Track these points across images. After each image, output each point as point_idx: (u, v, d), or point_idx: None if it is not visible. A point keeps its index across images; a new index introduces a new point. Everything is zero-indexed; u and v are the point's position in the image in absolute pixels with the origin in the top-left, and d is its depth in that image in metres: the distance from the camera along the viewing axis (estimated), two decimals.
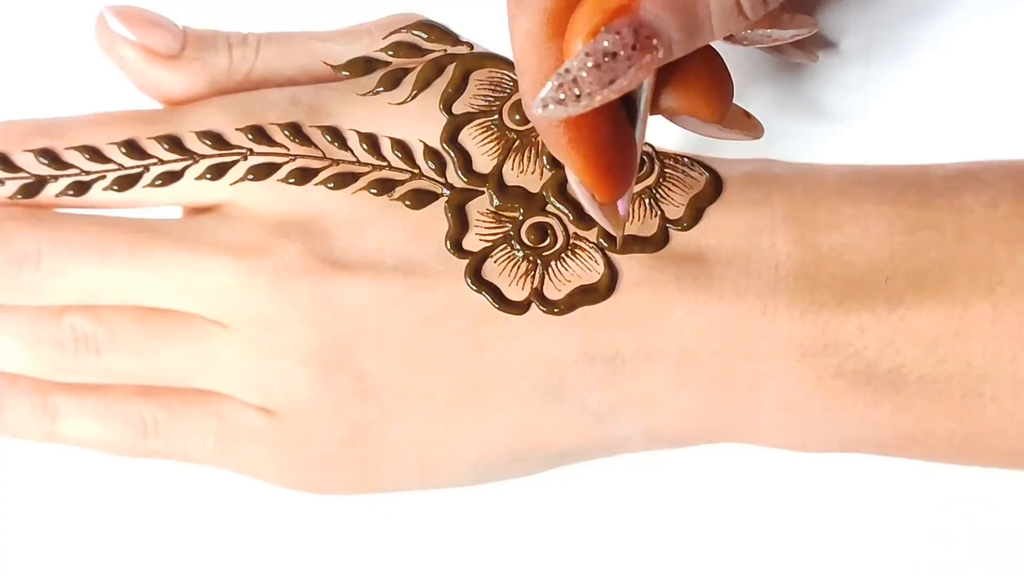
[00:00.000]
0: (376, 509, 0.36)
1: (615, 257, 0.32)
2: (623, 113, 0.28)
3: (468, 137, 0.33)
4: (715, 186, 0.32)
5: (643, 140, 0.28)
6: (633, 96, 0.27)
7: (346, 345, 0.32)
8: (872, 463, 0.34)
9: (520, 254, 0.32)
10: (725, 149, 0.33)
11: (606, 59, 0.24)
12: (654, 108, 0.28)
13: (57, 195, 0.33)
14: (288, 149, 0.33)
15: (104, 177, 0.33)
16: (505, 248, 0.32)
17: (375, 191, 0.32)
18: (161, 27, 0.33)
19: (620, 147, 0.28)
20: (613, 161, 0.27)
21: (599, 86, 0.24)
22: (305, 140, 0.33)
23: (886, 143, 0.33)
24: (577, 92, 0.24)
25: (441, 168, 0.33)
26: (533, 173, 0.33)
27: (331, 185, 0.32)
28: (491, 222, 0.32)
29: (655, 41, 0.24)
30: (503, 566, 0.37)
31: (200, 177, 0.33)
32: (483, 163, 0.33)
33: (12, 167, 0.33)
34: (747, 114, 0.30)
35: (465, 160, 0.33)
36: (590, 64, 0.24)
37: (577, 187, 0.29)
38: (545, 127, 0.27)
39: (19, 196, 0.33)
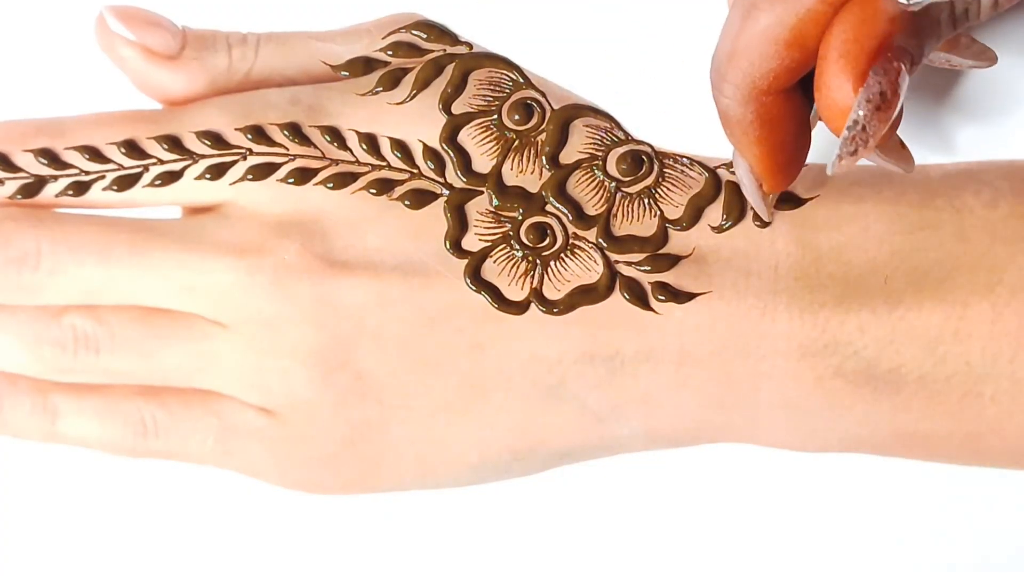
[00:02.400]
0: (376, 509, 0.36)
1: (614, 257, 0.32)
2: (807, 108, 0.29)
3: (467, 137, 0.33)
4: (714, 186, 0.32)
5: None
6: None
7: (346, 345, 0.32)
8: (872, 463, 0.34)
9: (519, 254, 0.32)
10: (725, 149, 0.33)
11: (881, 100, 0.25)
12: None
13: (57, 195, 0.33)
14: (287, 149, 0.33)
15: (104, 177, 0.33)
16: (504, 248, 0.32)
17: (374, 191, 0.32)
18: (160, 27, 0.33)
19: (798, 142, 0.29)
20: (790, 156, 0.29)
21: (882, 124, 0.25)
22: (304, 140, 0.33)
23: None
24: (866, 137, 0.25)
25: (440, 168, 0.33)
26: (532, 173, 0.33)
27: (330, 185, 0.32)
28: (490, 222, 0.32)
29: (904, 71, 0.25)
30: (503, 566, 0.37)
31: (200, 177, 0.33)
32: (482, 163, 0.33)
33: (12, 167, 0.33)
34: (903, 144, 0.31)
35: (464, 160, 0.33)
36: (871, 108, 0.25)
37: (744, 175, 0.30)
38: (734, 122, 0.28)
39: (19, 196, 0.33)
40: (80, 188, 0.33)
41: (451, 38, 0.34)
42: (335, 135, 0.33)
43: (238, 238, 0.33)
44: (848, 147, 0.25)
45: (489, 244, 0.32)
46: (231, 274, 0.32)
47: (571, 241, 0.32)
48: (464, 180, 0.32)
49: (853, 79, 0.25)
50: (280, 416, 0.33)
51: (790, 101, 0.28)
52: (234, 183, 0.33)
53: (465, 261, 0.32)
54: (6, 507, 0.38)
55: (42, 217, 0.33)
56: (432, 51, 0.33)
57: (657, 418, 0.32)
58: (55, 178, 0.33)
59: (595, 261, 0.32)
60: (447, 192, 0.32)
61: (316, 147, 0.33)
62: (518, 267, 0.32)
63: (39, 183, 0.33)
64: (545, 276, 0.32)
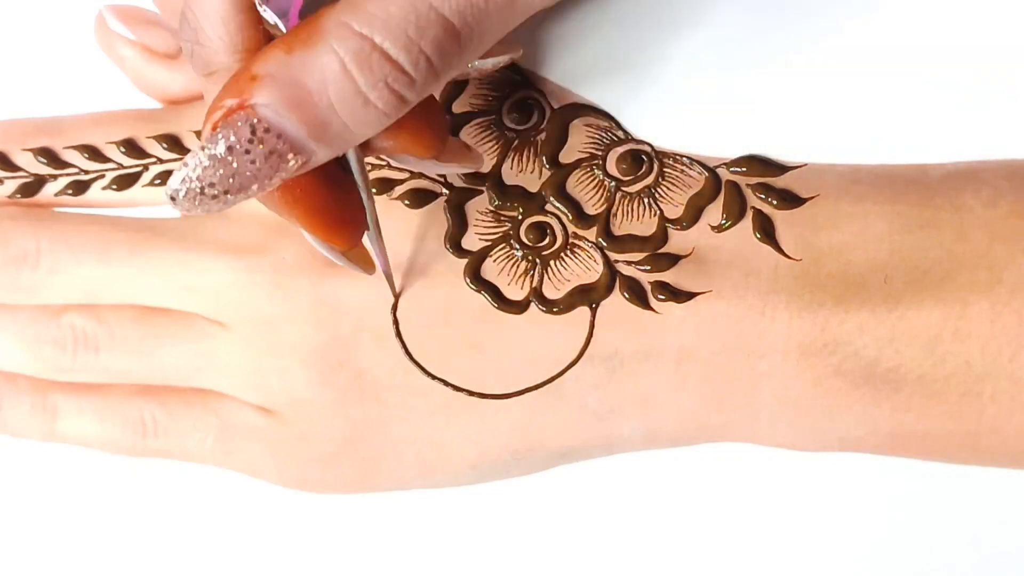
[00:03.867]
0: (376, 508, 0.36)
1: (614, 256, 0.32)
2: (338, 169, 0.27)
3: (467, 136, 0.33)
4: (714, 185, 0.32)
5: (367, 181, 0.28)
6: None
7: (345, 344, 0.32)
8: (871, 462, 0.34)
9: (519, 253, 0.32)
10: (725, 150, 0.33)
11: (224, 154, 0.23)
12: (367, 149, 0.28)
13: (56, 194, 0.33)
14: None
15: (103, 176, 0.33)
16: (504, 247, 0.32)
17: (374, 190, 0.32)
18: (160, 26, 0.33)
19: (342, 194, 0.27)
20: (339, 211, 0.27)
21: (223, 181, 0.23)
22: None
23: (886, 143, 0.33)
24: (198, 186, 0.23)
25: None
26: (532, 173, 0.33)
27: None
28: (490, 222, 0.32)
29: (281, 140, 0.23)
30: (503, 566, 0.37)
31: None
32: None
33: (11, 166, 0.33)
34: (467, 146, 0.30)
35: None
36: (206, 159, 0.23)
37: (313, 242, 0.28)
38: (264, 202, 0.27)
39: (18, 195, 0.33)
40: (79, 187, 0.33)
41: None
42: None
43: (237, 237, 0.33)
44: (179, 186, 0.24)
45: (489, 244, 0.32)
46: (230, 273, 0.32)
47: (571, 240, 0.32)
48: (464, 180, 0.33)
49: (207, 130, 0.23)
50: (280, 415, 0.33)
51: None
52: None
53: (465, 261, 0.32)
54: (6, 507, 0.38)
55: (41, 216, 0.33)
56: None
57: (657, 417, 0.32)
58: (54, 177, 0.33)
59: (595, 260, 0.32)
60: (447, 192, 0.32)
61: None
62: (518, 267, 0.32)
63: (38, 182, 0.33)
64: (545, 275, 0.32)
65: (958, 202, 0.31)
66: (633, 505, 0.36)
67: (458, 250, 0.32)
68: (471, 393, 0.32)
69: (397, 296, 0.32)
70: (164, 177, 0.33)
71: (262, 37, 0.25)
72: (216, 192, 0.23)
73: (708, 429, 0.33)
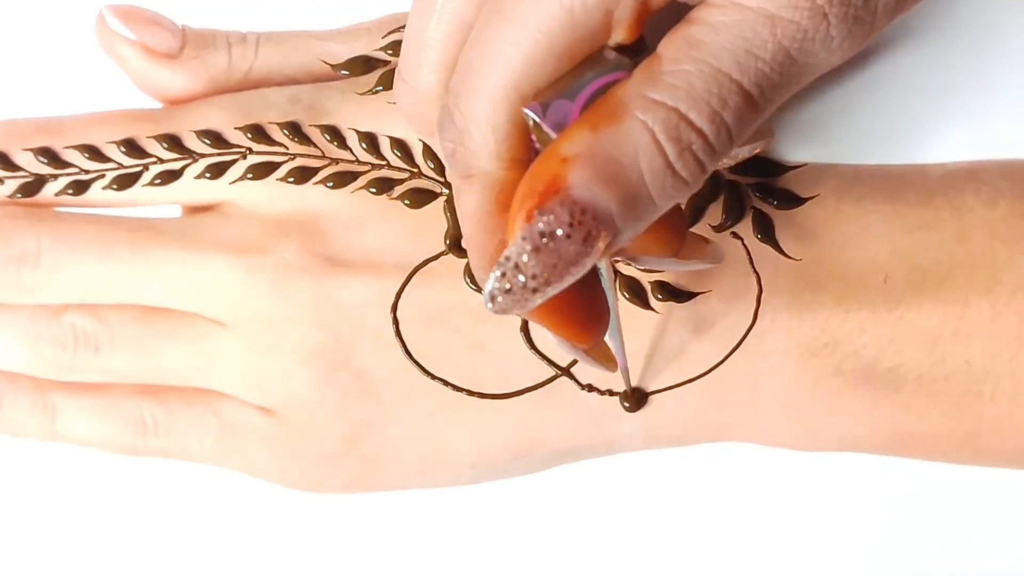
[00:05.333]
0: (376, 508, 0.36)
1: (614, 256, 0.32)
2: None
3: None
4: (714, 185, 0.32)
5: (613, 280, 0.27)
6: None
7: (346, 344, 0.32)
8: (871, 462, 0.34)
9: None
10: None
11: (545, 241, 0.22)
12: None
13: (56, 194, 0.33)
14: (287, 148, 0.33)
15: (103, 176, 0.33)
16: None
17: (374, 190, 0.32)
18: (160, 26, 0.33)
19: (588, 293, 0.27)
20: (584, 312, 0.26)
21: (545, 270, 0.23)
22: (304, 139, 0.33)
23: (886, 143, 0.33)
24: (522, 279, 0.23)
25: (440, 167, 0.33)
26: None
27: (330, 184, 0.32)
28: None
29: (595, 219, 0.22)
30: (503, 566, 0.37)
31: (199, 176, 0.33)
32: None
33: (12, 166, 0.33)
34: (706, 240, 0.30)
35: None
36: (528, 248, 0.22)
37: (555, 341, 0.27)
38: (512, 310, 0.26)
39: (19, 195, 0.33)
40: (80, 187, 0.33)
41: None
42: (335, 134, 0.33)
43: (238, 237, 0.33)
44: (499, 283, 0.23)
45: None
46: (231, 273, 0.32)
47: None
48: None
49: (520, 219, 0.23)
50: (280, 415, 0.33)
51: None
52: (234, 182, 0.33)
53: (465, 261, 0.32)
54: (6, 507, 0.38)
55: (42, 216, 0.33)
56: None
57: (656, 417, 0.32)
58: (55, 177, 0.33)
59: None
60: (447, 191, 0.32)
61: (316, 146, 0.33)
62: None
63: (39, 182, 0.33)
64: None
65: (958, 202, 0.31)
66: (633, 505, 0.36)
67: (458, 250, 0.32)
68: (471, 393, 0.32)
69: (397, 296, 0.32)
70: (164, 177, 0.33)
71: (528, 149, 0.25)
72: (537, 284, 0.23)
73: (708, 429, 0.33)
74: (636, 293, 0.32)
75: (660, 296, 0.31)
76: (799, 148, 0.33)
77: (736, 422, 0.32)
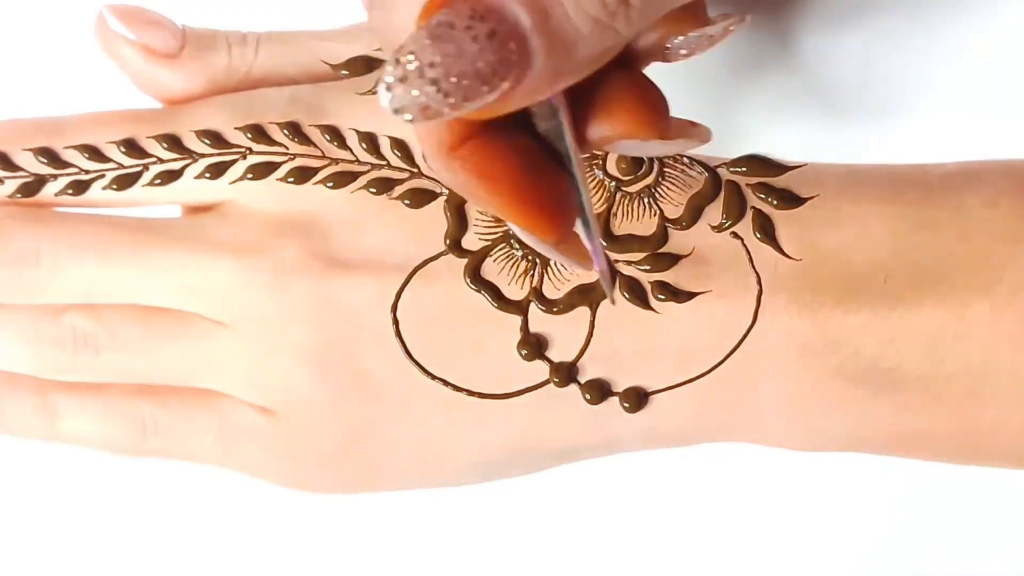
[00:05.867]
0: (376, 508, 0.36)
1: (614, 256, 0.32)
2: (544, 156, 0.25)
3: None
4: (714, 185, 0.32)
5: (584, 174, 0.26)
6: (552, 137, 0.25)
7: (346, 344, 0.32)
8: (871, 462, 0.34)
9: (519, 253, 0.32)
10: (725, 150, 0.33)
11: (442, 30, 0.21)
12: (586, 145, 0.26)
13: (56, 194, 0.33)
14: (287, 148, 0.33)
15: (103, 176, 0.33)
16: (504, 247, 0.32)
17: (374, 190, 0.32)
18: (160, 26, 0.33)
19: (549, 180, 0.25)
20: (545, 197, 0.25)
21: (444, 60, 0.21)
22: (304, 139, 0.33)
23: (886, 143, 0.33)
24: (418, 65, 0.21)
25: None
26: None
27: (330, 184, 0.32)
28: (490, 221, 0.32)
29: (503, 23, 0.21)
30: (503, 566, 0.37)
31: (199, 176, 0.33)
32: None
33: (11, 166, 0.33)
34: (690, 122, 0.28)
35: None
36: (424, 37, 0.21)
37: (520, 234, 0.26)
38: (459, 182, 0.25)
39: (19, 195, 0.33)
40: (80, 187, 0.33)
41: None
42: (335, 134, 0.33)
43: (238, 237, 0.33)
44: (393, 72, 0.21)
45: (489, 243, 0.32)
46: (231, 273, 0.32)
47: None
48: None
49: (422, 13, 0.22)
50: (280, 415, 0.33)
51: (493, 139, 0.24)
52: (234, 182, 0.33)
53: (465, 260, 0.32)
54: (6, 507, 0.38)
55: (42, 216, 0.33)
56: None
57: (656, 417, 0.32)
58: (55, 177, 0.33)
59: None
60: (447, 191, 0.32)
61: (316, 146, 0.33)
62: (518, 266, 0.32)
63: (39, 182, 0.33)
64: (545, 275, 0.32)
65: (958, 202, 0.31)
66: (633, 505, 0.36)
67: (458, 250, 0.32)
68: (471, 393, 0.32)
69: (397, 296, 0.32)
70: (164, 177, 0.33)
71: None
72: (436, 75, 0.21)
73: (708, 429, 0.33)
74: (636, 293, 0.32)
75: (660, 296, 0.31)
76: (799, 148, 0.33)
77: (736, 422, 0.32)
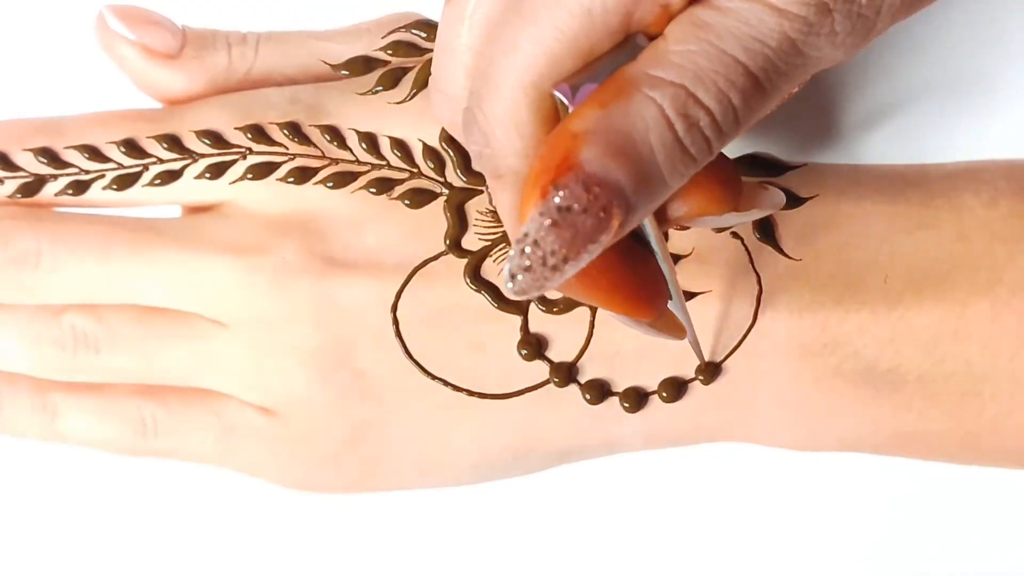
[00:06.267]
0: (376, 508, 0.36)
1: None
2: (629, 242, 0.26)
3: None
4: None
5: (665, 248, 0.27)
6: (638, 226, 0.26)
7: (345, 344, 0.32)
8: (871, 462, 0.34)
9: None
10: (724, 149, 0.33)
11: (561, 216, 0.22)
12: (665, 223, 0.27)
13: (56, 194, 0.33)
14: (287, 148, 0.33)
15: (103, 176, 0.33)
16: (504, 247, 0.32)
17: (374, 190, 0.32)
18: (160, 26, 0.33)
19: (639, 266, 0.26)
20: (639, 285, 0.26)
21: (563, 246, 0.22)
22: (304, 139, 0.33)
23: (886, 143, 0.33)
24: (541, 255, 0.23)
25: (440, 167, 0.33)
26: None
27: (330, 184, 0.32)
28: (490, 221, 0.32)
29: (609, 193, 0.22)
30: (503, 566, 0.37)
31: (199, 176, 0.33)
32: None
33: (11, 166, 0.33)
34: (763, 187, 0.29)
35: (464, 159, 0.32)
36: (547, 223, 0.22)
37: (618, 319, 0.27)
38: (563, 289, 0.26)
39: (18, 195, 0.33)
40: (80, 187, 0.33)
41: None
42: (335, 134, 0.33)
43: (238, 237, 0.33)
44: (518, 261, 0.23)
45: (489, 243, 0.32)
46: (231, 273, 0.32)
47: None
48: (464, 179, 0.32)
49: (535, 197, 0.23)
50: (280, 415, 0.33)
51: None
52: (234, 182, 0.33)
53: (465, 260, 0.32)
54: (6, 507, 0.38)
55: (42, 216, 0.33)
56: (432, 50, 0.33)
57: (656, 417, 0.32)
58: (55, 177, 0.33)
59: None
60: (447, 191, 0.32)
61: (316, 146, 0.33)
62: None
63: (39, 182, 0.33)
64: None
65: (958, 202, 0.31)
66: (633, 505, 0.36)
67: (458, 250, 0.32)
68: (471, 393, 0.32)
69: (397, 296, 0.32)
70: (164, 177, 0.33)
71: None
72: (557, 261, 0.23)
73: (708, 429, 0.33)
74: None
75: None
76: (799, 148, 0.33)
77: (736, 422, 0.32)
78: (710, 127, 0.23)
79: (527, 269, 0.23)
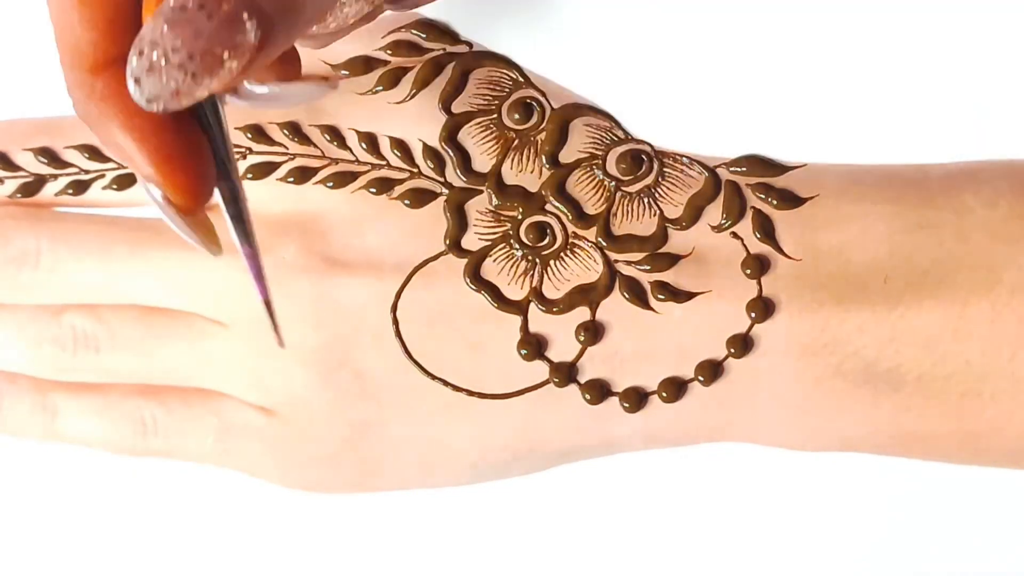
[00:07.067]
0: (376, 508, 0.36)
1: (614, 256, 0.32)
2: (188, 115, 0.24)
3: (467, 136, 0.33)
4: (714, 185, 0.32)
5: (230, 144, 0.25)
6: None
7: (345, 344, 0.32)
8: (871, 462, 0.34)
9: (519, 253, 0.32)
10: (725, 150, 0.33)
11: (178, 15, 0.21)
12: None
13: (56, 194, 0.33)
14: (287, 148, 0.33)
15: (103, 176, 0.33)
16: (504, 247, 0.32)
17: (374, 190, 0.32)
18: None
19: (190, 139, 0.24)
20: (183, 153, 0.24)
21: (185, 43, 0.21)
22: (304, 139, 0.33)
23: (886, 143, 0.33)
24: (162, 51, 0.21)
25: (440, 167, 0.33)
26: (532, 172, 0.33)
27: (330, 184, 0.32)
28: (490, 221, 0.32)
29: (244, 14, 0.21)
30: (503, 566, 0.37)
31: None
32: (482, 162, 0.33)
33: (11, 166, 0.33)
34: (324, 77, 0.29)
35: (464, 159, 0.33)
36: (162, 23, 0.21)
37: (149, 191, 0.25)
38: (93, 110, 0.24)
39: (18, 195, 0.33)
40: (80, 187, 0.33)
41: (451, 37, 0.34)
42: (335, 134, 0.33)
43: None
44: (139, 63, 0.21)
45: (489, 243, 0.32)
46: (230, 273, 0.32)
47: (571, 240, 0.32)
48: (464, 179, 0.33)
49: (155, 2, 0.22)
50: (280, 415, 0.33)
51: None
52: None
53: (465, 260, 0.32)
54: (6, 507, 0.38)
55: (42, 216, 0.33)
56: (432, 50, 0.33)
57: (656, 417, 0.32)
58: (55, 177, 0.33)
59: (595, 260, 0.32)
60: (447, 191, 0.32)
61: (316, 146, 0.33)
62: (518, 266, 0.32)
63: (39, 182, 0.33)
64: (545, 275, 0.32)
65: (958, 202, 0.31)
66: (633, 505, 0.36)
67: (458, 250, 0.32)
68: (471, 393, 0.32)
69: (397, 296, 0.32)
70: None
71: None
72: (181, 59, 0.21)
73: (708, 429, 0.33)
74: (636, 293, 0.32)
75: (660, 296, 0.31)
76: (799, 148, 0.33)
77: (736, 422, 0.32)
78: None
79: (150, 71, 0.22)
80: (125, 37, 0.23)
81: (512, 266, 0.32)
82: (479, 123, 0.33)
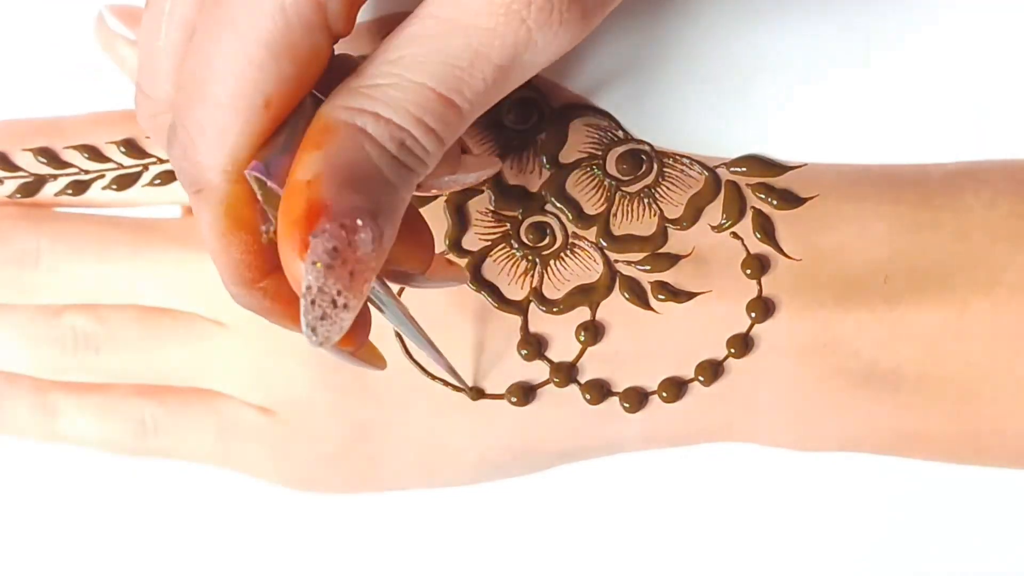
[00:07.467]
0: (376, 508, 0.36)
1: (614, 256, 0.32)
2: None
3: (466, 137, 0.33)
4: (714, 185, 0.32)
5: (388, 289, 0.27)
6: None
7: None
8: (871, 462, 0.34)
9: (519, 253, 0.32)
10: (725, 150, 0.33)
11: (333, 257, 0.23)
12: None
13: (56, 194, 0.33)
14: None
15: (103, 176, 0.33)
16: (504, 247, 0.32)
17: None
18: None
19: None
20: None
21: (345, 284, 0.23)
22: None
23: (886, 143, 0.33)
24: (330, 299, 0.23)
25: None
26: (532, 172, 0.33)
27: None
28: (490, 221, 0.32)
29: (362, 218, 0.23)
30: (503, 566, 0.37)
31: None
32: None
33: (11, 166, 0.33)
34: (449, 262, 0.31)
35: None
36: (321, 270, 0.23)
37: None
38: (262, 307, 0.26)
39: (18, 195, 0.33)
40: (79, 187, 0.33)
41: None
42: None
43: None
44: (312, 313, 0.23)
45: (489, 243, 0.32)
46: None
47: (571, 240, 0.32)
48: None
49: (298, 251, 0.23)
50: (280, 415, 0.33)
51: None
52: None
53: (465, 260, 0.32)
54: (6, 507, 0.38)
55: (42, 216, 0.33)
56: None
57: (656, 417, 0.32)
58: (54, 177, 0.33)
59: (595, 260, 0.32)
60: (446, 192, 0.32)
61: None
62: (518, 266, 0.32)
63: (39, 182, 0.33)
64: (545, 275, 0.32)
65: (958, 202, 0.31)
66: (633, 505, 0.36)
67: (458, 250, 0.32)
68: (471, 393, 0.32)
69: (397, 295, 0.32)
70: (164, 177, 0.33)
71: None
72: (346, 300, 0.23)
73: (708, 429, 0.33)
74: (636, 293, 0.32)
75: (660, 296, 0.31)
76: (799, 148, 0.33)
77: (736, 422, 0.32)
78: (416, 145, 0.24)
79: (323, 319, 0.23)
80: (275, 254, 0.24)
81: (512, 266, 0.32)
82: (479, 123, 0.33)
